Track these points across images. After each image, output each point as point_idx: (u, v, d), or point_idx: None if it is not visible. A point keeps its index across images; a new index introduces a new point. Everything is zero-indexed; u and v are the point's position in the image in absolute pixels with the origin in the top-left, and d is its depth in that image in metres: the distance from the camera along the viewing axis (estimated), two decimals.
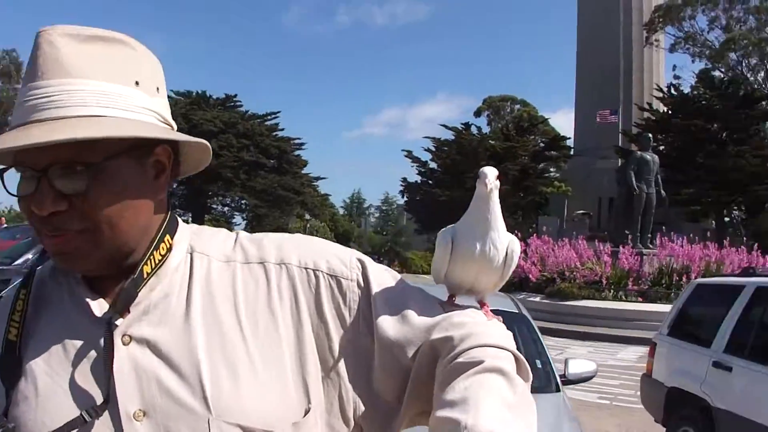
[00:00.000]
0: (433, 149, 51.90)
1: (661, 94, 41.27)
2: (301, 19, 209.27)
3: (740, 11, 41.85)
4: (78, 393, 1.10)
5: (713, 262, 20.80)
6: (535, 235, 25.40)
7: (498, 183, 1.22)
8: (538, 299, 20.85)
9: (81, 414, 1.07)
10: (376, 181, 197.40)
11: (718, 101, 39.78)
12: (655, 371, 7.96)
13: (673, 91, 42.21)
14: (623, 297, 19.93)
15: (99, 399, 1.08)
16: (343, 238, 70.65)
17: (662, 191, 23.41)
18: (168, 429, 1.08)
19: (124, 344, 1.12)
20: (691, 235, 22.84)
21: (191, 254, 1.23)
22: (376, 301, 1.22)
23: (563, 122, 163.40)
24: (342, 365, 1.20)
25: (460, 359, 1.11)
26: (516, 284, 21.95)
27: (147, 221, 1.17)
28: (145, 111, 1.15)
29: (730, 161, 37.44)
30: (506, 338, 1.17)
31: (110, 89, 1.11)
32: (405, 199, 56.90)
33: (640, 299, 19.82)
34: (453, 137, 50.85)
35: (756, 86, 43.54)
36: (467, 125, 51.62)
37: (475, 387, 1.04)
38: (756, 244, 22.45)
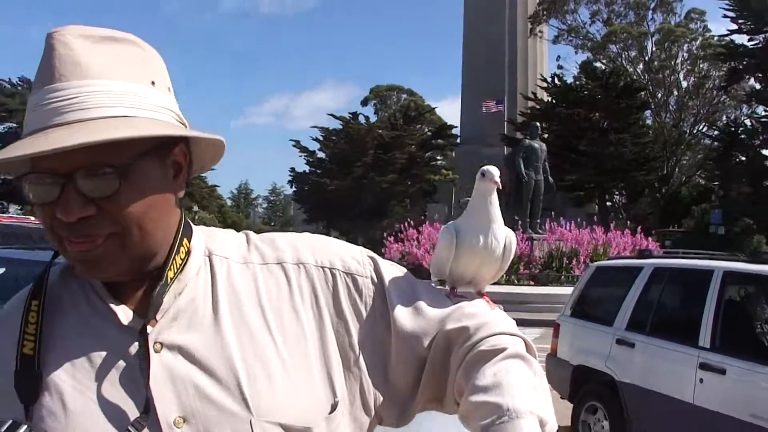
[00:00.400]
0: (321, 138, 51.71)
1: (545, 84, 42.25)
2: (183, 7, 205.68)
3: (621, 5, 43.38)
4: (112, 406, 1.08)
5: (600, 245, 21.57)
6: (426, 222, 25.67)
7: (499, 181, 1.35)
8: (432, 285, 20.88)
9: (126, 428, 1.05)
10: (264, 172, 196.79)
11: (600, 91, 40.97)
12: (560, 351, 8.30)
13: (556, 81, 43.25)
14: (515, 281, 20.35)
15: (134, 410, 1.07)
16: (231, 229, 69.67)
17: (550, 178, 24.15)
18: None
19: (156, 352, 1.11)
20: (579, 220, 23.52)
21: (209, 257, 1.23)
22: (391, 295, 1.27)
23: (449, 111, 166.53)
24: (361, 359, 1.24)
25: (481, 347, 1.20)
26: (410, 272, 22.05)
27: (168, 223, 1.17)
28: (164, 110, 1.14)
29: (611, 149, 38.88)
30: (513, 325, 1.27)
31: (130, 89, 1.10)
32: (294, 189, 56.46)
33: (531, 282, 20.36)
34: (341, 126, 50.92)
35: (635, 77, 45.15)
36: (355, 114, 51.80)
37: (504, 372, 1.15)
38: (639, 227, 23.39)
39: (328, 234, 7.54)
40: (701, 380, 5.98)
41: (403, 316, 1.25)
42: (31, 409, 1.08)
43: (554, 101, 42.17)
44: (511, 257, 1.38)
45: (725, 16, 38.85)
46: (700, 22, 45.49)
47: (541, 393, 1.14)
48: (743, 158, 40.29)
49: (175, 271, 1.16)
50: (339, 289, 1.25)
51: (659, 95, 45.45)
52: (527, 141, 24.44)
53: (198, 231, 1.26)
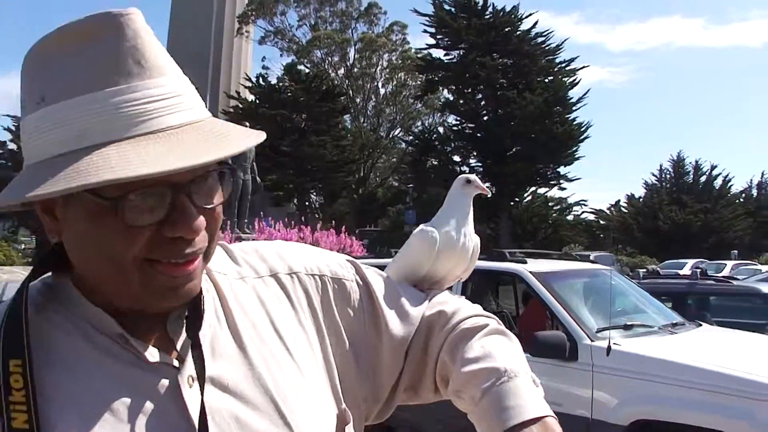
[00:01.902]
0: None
1: (249, 84, 42.50)
2: None
3: (328, 12, 44.54)
4: None
5: (310, 243, 21.96)
6: None
7: None
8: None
9: None
10: None
11: (303, 94, 41.82)
12: None
13: (261, 81, 43.69)
14: None
15: None
16: None
17: (258, 178, 24.28)
18: None
19: (189, 387, 1.00)
20: (287, 220, 23.93)
21: (208, 275, 1.11)
22: (378, 298, 1.27)
23: None
24: (355, 363, 1.23)
25: (463, 326, 1.25)
26: None
27: None
28: None
29: (311, 150, 39.88)
30: (481, 309, 1.32)
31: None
32: None
33: None
34: None
35: (337, 83, 46.64)
36: None
37: (490, 344, 1.20)
38: (344, 227, 24.23)
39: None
40: None
41: (392, 319, 1.26)
42: None
43: (258, 101, 42.58)
44: (476, 259, 1.45)
45: (425, 31, 41.71)
46: (402, 34, 48.06)
47: (522, 360, 1.18)
48: (436, 163, 43.36)
49: (203, 296, 1.05)
50: (330, 296, 1.23)
51: (359, 101, 47.32)
52: None
53: None
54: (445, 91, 44.14)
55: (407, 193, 45.59)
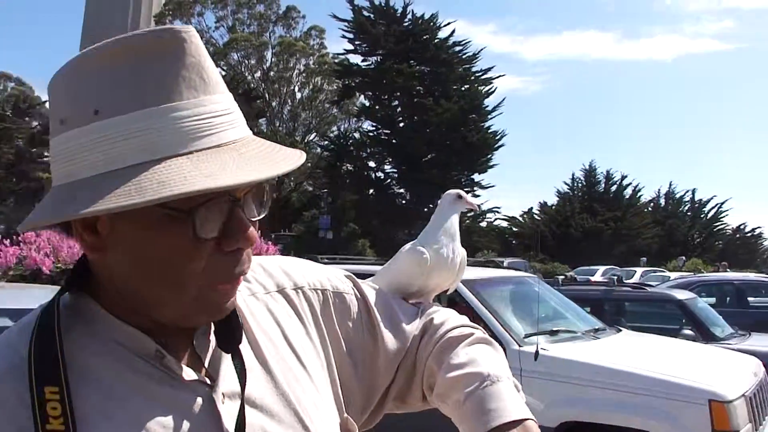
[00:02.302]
0: None
1: None
2: None
3: (246, 15, 44.16)
4: None
5: None
6: None
7: None
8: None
9: None
10: None
11: None
12: None
13: None
14: None
15: None
16: None
17: None
18: None
19: (222, 404, 1.01)
20: None
21: None
22: (374, 311, 1.31)
23: None
24: (354, 372, 1.26)
25: (450, 334, 1.30)
26: (28, 277, 20.75)
27: None
28: None
29: None
30: (467, 320, 1.37)
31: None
32: None
33: None
34: None
35: (254, 85, 46.23)
36: None
37: (475, 351, 1.25)
38: (260, 231, 24.08)
39: None
40: None
41: (388, 332, 1.29)
42: None
43: None
44: (463, 272, 1.52)
45: (343, 37, 41.90)
46: (320, 39, 47.72)
47: (505, 367, 1.22)
48: (351, 168, 43.44)
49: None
50: (331, 309, 1.25)
51: (275, 104, 47.01)
52: None
53: None
54: (362, 96, 44.45)
55: (322, 198, 45.58)
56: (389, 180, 43.94)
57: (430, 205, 41.56)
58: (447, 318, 1.36)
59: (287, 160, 0.97)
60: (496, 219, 49.48)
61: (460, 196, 1.52)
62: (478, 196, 43.09)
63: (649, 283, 17.12)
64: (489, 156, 41.57)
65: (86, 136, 0.91)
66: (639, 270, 27.19)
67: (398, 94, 40.68)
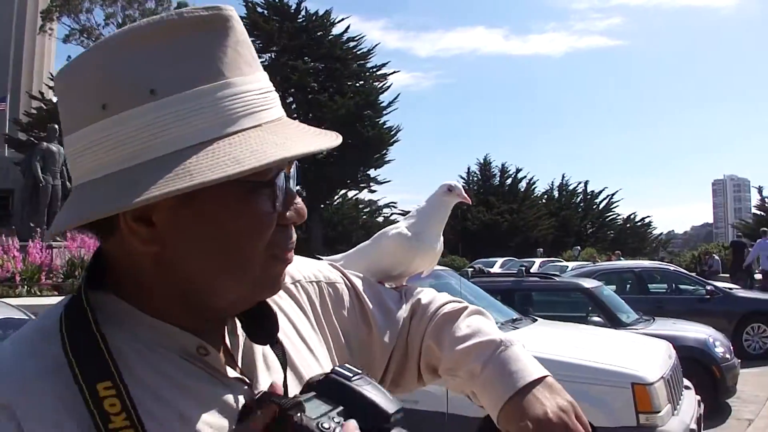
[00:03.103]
0: None
1: (53, 84, 40.40)
2: None
3: (136, 11, 43.12)
4: None
5: None
6: None
7: None
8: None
9: None
10: None
11: None
12: None
13: None
14: (38, 292, 19.38)
15: None
16: None
17: (68, 183, 23.27)
18: None
19: None
20: None
21: None
22: (364, 298, 1.34)
23: None
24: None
25: (443, 311, 1.33)
26: None
27: None
28: None
29: None
30: (449, 296, 1.41)
31: None
32: None
33: (55, 293, 19.49)
34: None
35: None
36: None
37: (476, 322, 1.28)
38: None
39: None
40: None
41: (380, 318, 1.32)
42: None
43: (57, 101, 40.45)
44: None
45: None
46: None
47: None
48: None
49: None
50: (327, 300, 1.27)
51: None
52: (45, 144, 23.24)
53: None
54: None
55: None
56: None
57: (327, 202, 41.61)
58: (433, 297, 1.40)
59: (328, 134, 0.99)
60: (392, 214, 49.71)
61: (451, 189, 1.56)
62: (375, 191, 43.42)
63: (547, 272, 17.54)
64: (385, 151, 41.72)
65: (142, 117, 0.87)
66: (537, 261, 27.78)
67: (293, 90, 40.41)
